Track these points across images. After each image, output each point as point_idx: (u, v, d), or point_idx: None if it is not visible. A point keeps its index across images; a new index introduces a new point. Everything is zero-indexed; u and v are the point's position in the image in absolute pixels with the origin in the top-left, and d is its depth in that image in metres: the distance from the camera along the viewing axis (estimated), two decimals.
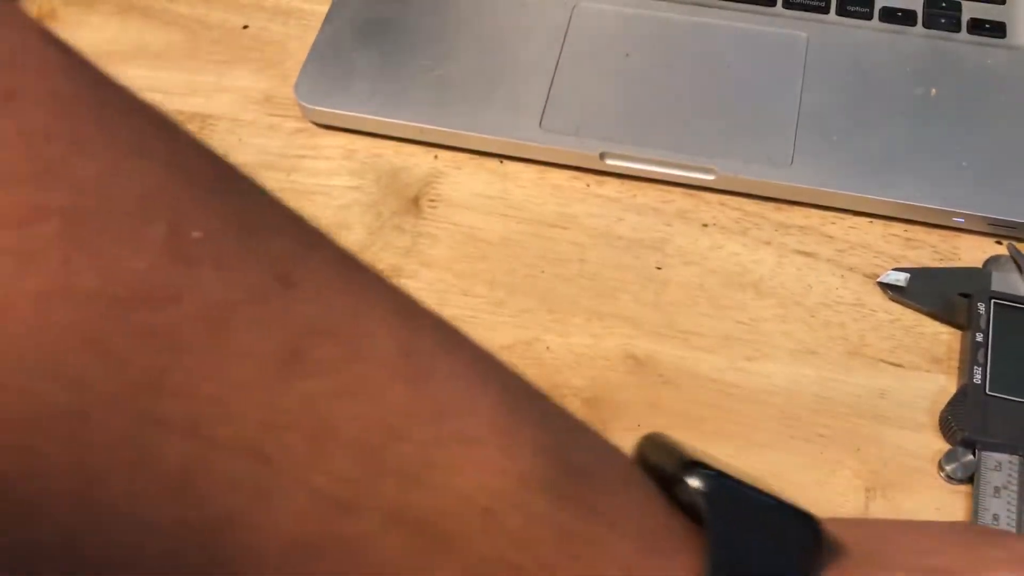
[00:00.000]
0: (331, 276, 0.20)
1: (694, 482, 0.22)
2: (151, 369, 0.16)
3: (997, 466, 0.41)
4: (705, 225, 0.50)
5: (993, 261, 0.47)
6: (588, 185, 0.51)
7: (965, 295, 0.46)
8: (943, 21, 0.54)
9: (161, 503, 0.17)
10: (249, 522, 0.18)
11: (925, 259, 0.48)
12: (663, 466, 0.24)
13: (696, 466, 0.23)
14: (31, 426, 0.16)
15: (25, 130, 0.16)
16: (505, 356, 0.46)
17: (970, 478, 0.42)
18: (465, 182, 0.51)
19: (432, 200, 0.50)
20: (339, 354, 0.19)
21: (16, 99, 0.17)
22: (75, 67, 0.18)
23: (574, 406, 0.44)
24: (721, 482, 0.23)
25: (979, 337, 0.44)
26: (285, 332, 0.18)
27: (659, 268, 0.48)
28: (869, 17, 0.55)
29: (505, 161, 0.52)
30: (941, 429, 0.43)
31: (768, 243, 0.49)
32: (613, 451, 0.24)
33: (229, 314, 0.17)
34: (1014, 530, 0.40)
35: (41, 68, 0.17)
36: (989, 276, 0.46)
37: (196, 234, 0.17)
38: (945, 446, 0.43)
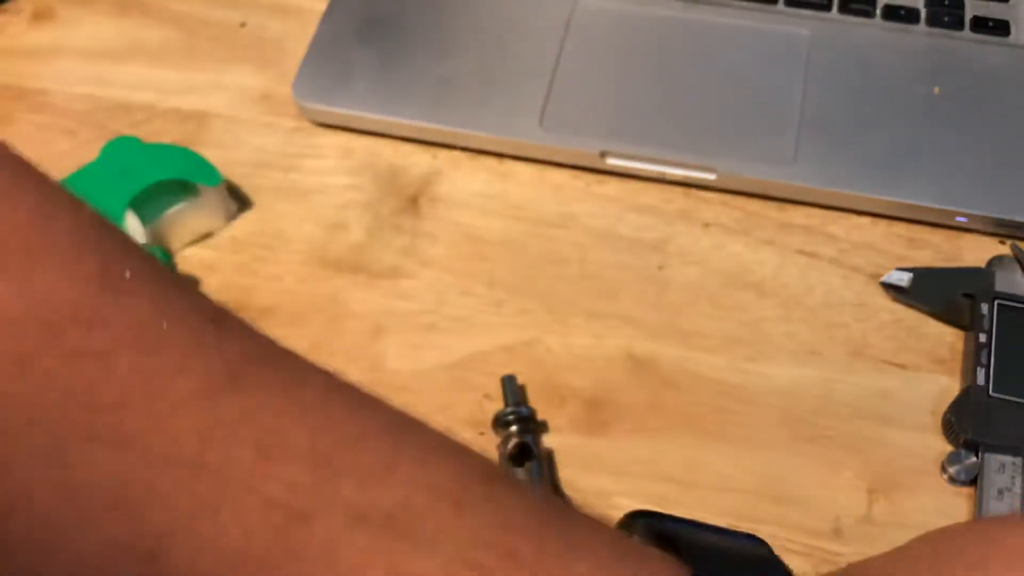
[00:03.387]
0: (254, 325, 0.21)
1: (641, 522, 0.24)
2: (80, 386, 0.17)
3: (1000, 468, 0.41)
4: (707, 225, 0.49)
5: (997, 261, 0.47)
6: (588, 184, 0.50)
7: (968, 296, 0.45)
8: (946, 19, 0.54)
9: (90, 525, 0.17)
10: (190, 538, 0.17)
11: (928, 259, 0.48)
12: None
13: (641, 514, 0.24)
14: None
15: None
16: (505, 357, 0.46)
17: (973, 480, 0.41)
18: (464, 181, 0.51)
19: (431, 199, 0.50)
20: (277, 377, 0.19)
21: None
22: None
23: (574, 407, 0.44)
24: (671, 522, 0.24)
25: (982, 338, 0.44)
26: (222, 357, 0.18)
27: (660, 268, 0.48)
28: (871, 15, 0.54)
29: (505, 160, 0.51)
30: (944, 431, 0.43)
31: (770, 243, 0.49)
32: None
33: (162, 339, 0.18)
34: None
35: None
36: (992, 276, 0.46)
37: (127, 273, 0.18)
38: (948, 448, 0.43)
